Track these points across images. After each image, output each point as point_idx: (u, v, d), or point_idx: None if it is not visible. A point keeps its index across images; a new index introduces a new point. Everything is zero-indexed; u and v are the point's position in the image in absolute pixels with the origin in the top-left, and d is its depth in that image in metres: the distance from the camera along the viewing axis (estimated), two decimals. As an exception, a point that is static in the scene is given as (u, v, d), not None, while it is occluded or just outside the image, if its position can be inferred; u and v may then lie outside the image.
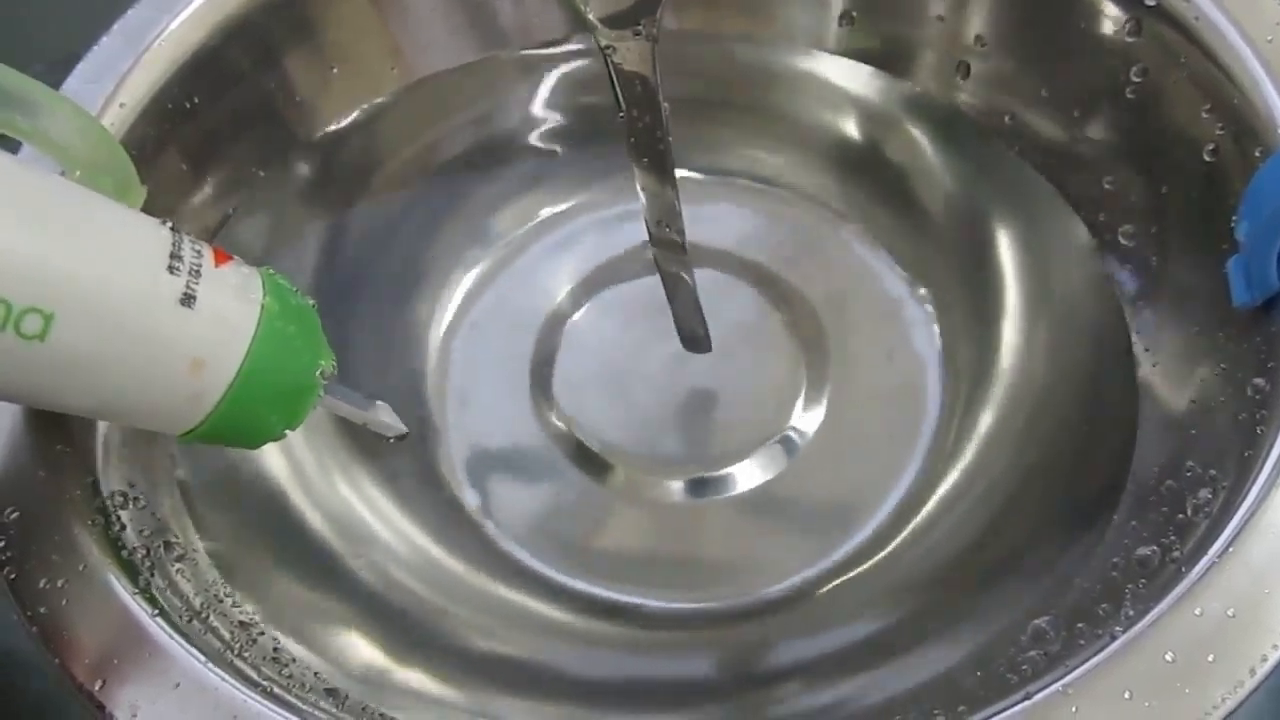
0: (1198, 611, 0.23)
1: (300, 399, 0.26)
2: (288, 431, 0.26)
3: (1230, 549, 0.24)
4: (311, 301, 0.27)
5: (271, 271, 0.26)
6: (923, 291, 0.39)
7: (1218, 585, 0.24)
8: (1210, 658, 0.23)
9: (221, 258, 0.25)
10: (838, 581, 0.35)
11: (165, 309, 0.23)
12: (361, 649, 0.31)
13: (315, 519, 0.35)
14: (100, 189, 0.28)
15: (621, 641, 0.35)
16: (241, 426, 0.25)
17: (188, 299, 0.23)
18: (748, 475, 0.37)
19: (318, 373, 0.26)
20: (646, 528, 0.37)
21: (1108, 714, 0.22)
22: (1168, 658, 0.23)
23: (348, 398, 0.28)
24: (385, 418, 0.30)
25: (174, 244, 0.24)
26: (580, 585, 0.35)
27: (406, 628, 0.33)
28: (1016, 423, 0.35)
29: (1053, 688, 0.23)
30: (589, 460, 0.37)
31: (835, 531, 0.35)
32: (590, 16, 0.30)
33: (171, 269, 0.23)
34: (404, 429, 0.30)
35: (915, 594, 0.33)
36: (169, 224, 0.24)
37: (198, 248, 0.24)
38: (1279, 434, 0.26)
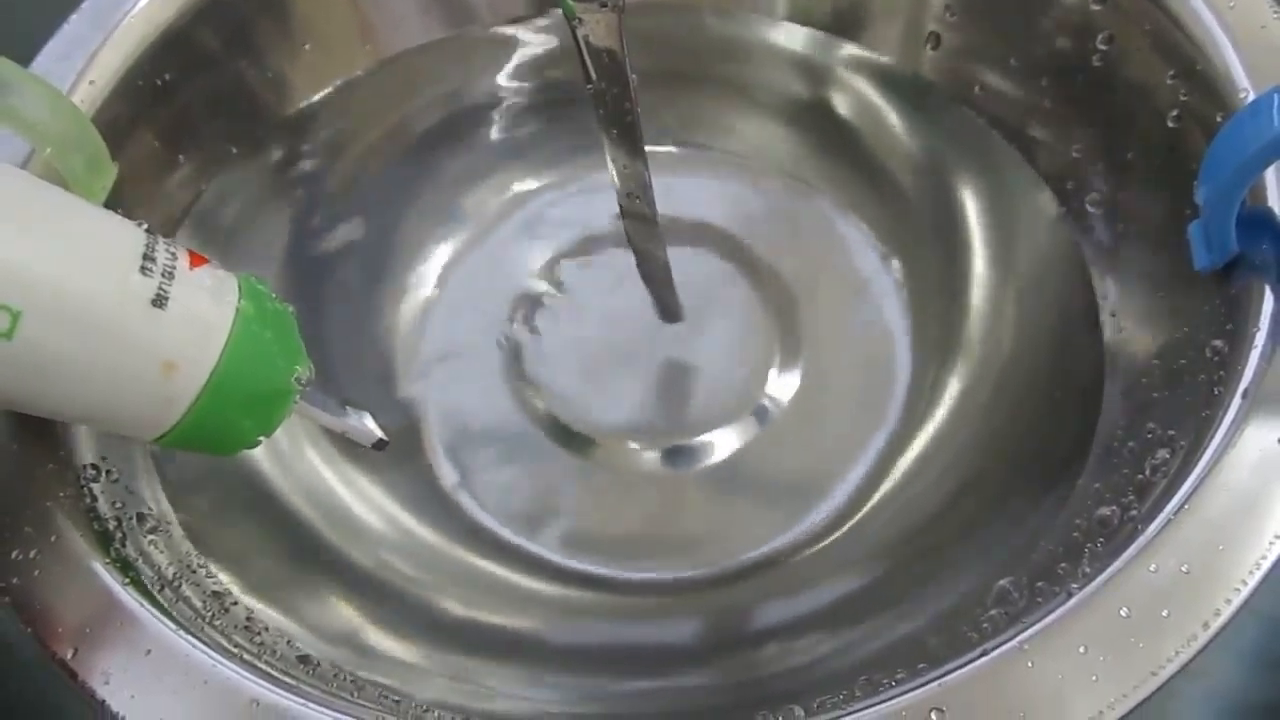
0: (1153, 568, 0.23)
1: (275, 404, 0.26)
2: (262, 438, 0.26)
3: (1186, 506, 0.24)
4: (290, 308, 0.27)
5: (250, 276, 0.26)
6: (893, 261, 0.40)
7: (1173, 542, 0.24)
8: (1165, 613, 0.23)
9: (197, 260, 0.25)
10: (813, 548, 0.35)
11: (136, 309, 0.23)
12: (334, 616, 0.32)
13: (290, 491, 0.35)
14: (71, 166, 0.28)
15: (599, 609, 0.35)
16: (215, 431, 0.25)
17: (160, 300, 0.23)
18: (722, 445, 0.37)
19: (293, 378, 0.26)
20: (623, 498, 0.37)
21: (1062, 668, 0.23)
22: (1123, 613, 0.23)
23: (325, 405, 0.28)
24: (363, 426, 0.29)
25: (147, 245, 0.23)
26: (558, 557, 0.35)
27: (382, 598, 0.33)
28: (985, 388, 0.36)
29: (1009, 644, 0.23)
30: (564, 433, 0.38)
31: (809, 498, 0.36)
32: (560, -11, 0.30)
33: (144, 270, 0.23)
34: (383, 437, 0.30)
35: (887, 558, 0.34)
36: (144, 225, 0.24)
37: (172, 250, 0.24)
38: (1236, 395, 0.26)
